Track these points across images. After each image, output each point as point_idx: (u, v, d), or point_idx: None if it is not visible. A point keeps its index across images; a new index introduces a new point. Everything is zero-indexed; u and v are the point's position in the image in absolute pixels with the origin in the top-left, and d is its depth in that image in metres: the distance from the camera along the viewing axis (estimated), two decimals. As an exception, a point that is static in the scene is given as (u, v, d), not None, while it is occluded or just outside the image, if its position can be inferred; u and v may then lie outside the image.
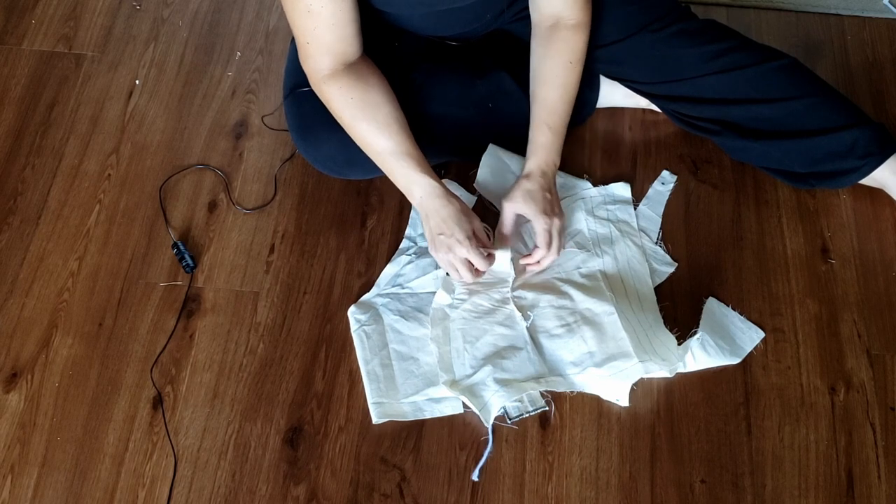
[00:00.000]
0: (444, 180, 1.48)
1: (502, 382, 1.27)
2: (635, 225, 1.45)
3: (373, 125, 1.28)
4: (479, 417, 1.28)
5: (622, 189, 1.49)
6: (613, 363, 1.28)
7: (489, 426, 1.26)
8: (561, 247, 1.34)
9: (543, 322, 1.33)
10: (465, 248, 1.28)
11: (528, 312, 1.33)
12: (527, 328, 1.32)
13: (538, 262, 1.34)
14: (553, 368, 1.30)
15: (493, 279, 1.35)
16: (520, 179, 1.35)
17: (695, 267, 1.43)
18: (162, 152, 1.56)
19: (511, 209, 1.34)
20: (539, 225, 1.31)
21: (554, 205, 1.33)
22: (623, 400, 1.29)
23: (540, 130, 1.35)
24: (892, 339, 1.37)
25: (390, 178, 1.33)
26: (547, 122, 1.35)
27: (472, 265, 1.30)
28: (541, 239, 1.31)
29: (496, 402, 1.26)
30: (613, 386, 1.28)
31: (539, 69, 1.37)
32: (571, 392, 1.30)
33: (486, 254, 1.30)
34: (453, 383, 1.28)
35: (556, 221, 1.32)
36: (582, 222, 1.44)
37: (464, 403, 1.29)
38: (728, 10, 1.75)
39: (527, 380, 1.28)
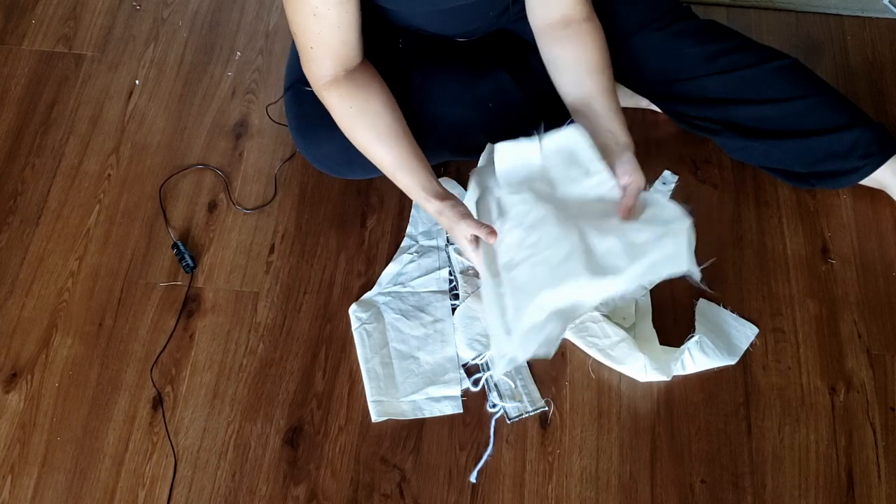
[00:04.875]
0: (441, 178, 1.49)
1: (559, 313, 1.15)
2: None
3: (372, 135, 1.29)
4: (479, 419, 1.28)
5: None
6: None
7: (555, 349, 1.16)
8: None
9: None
10: (468, 252, 1.25)
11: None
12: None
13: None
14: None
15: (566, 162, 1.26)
16: (624, 153, 1.26)
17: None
18: (162, 152, 1.56)
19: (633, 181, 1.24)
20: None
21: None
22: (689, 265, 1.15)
23: (619, 116, 1.29)
24: (892, 339, 1.37)
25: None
26: (615, 100, 1.31)
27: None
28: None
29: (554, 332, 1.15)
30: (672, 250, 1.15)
31: (578, 62, 1.32)
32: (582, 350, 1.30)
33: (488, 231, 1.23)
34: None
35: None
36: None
37: (463, 402, 1.30)
38: (728, 10, 1.75)
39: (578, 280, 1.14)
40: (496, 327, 1.18)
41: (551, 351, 1.14)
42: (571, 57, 1.33)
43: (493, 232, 1.21)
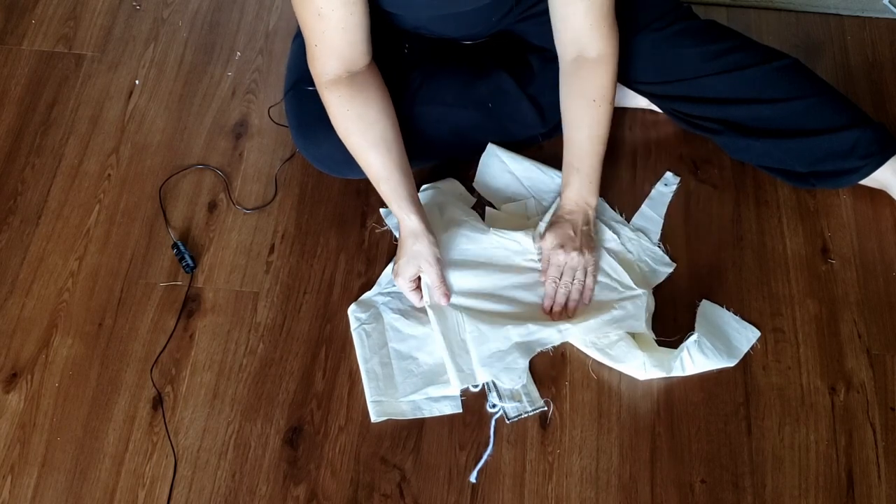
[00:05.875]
0: (447, 179, 1.49)
1: (522, 345, 1.31)
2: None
3: (364, 141, 1.29)
4: (479, 419, 1.28)
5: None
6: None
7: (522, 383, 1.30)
8: (581, 283, 1.35)
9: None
10: (404, 289, 1.35)
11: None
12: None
13: (551, 305, 1.36)
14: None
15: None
16: (553, 217, 1.39)
17: (695, 267, 1.43)
18: (162, 152, 1.56)
19: (541, 244, 1.38)
20: (549, 256, 1.36)
21: (578, 242, 1.35)
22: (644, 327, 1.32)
23: (569, 173, 1.38)
24: (892, 339, 1.37)
25: None
26: (575, 165, 1.37)
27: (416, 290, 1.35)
28: (542, 264, 1.37)
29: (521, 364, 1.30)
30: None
31: (565, 109, 1.38)
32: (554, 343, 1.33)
33: (419, 297, 1.35)
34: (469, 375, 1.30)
35: (574, 256, 1.34)
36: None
37: (462, 402, 1.30)
38: (728, 10, 1.75)
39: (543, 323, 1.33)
40: (452, 343, 1.30)
41: (519, 381, 1.29)
42: (564, 95, 1.37)
43: (447, 294, 1.33)
